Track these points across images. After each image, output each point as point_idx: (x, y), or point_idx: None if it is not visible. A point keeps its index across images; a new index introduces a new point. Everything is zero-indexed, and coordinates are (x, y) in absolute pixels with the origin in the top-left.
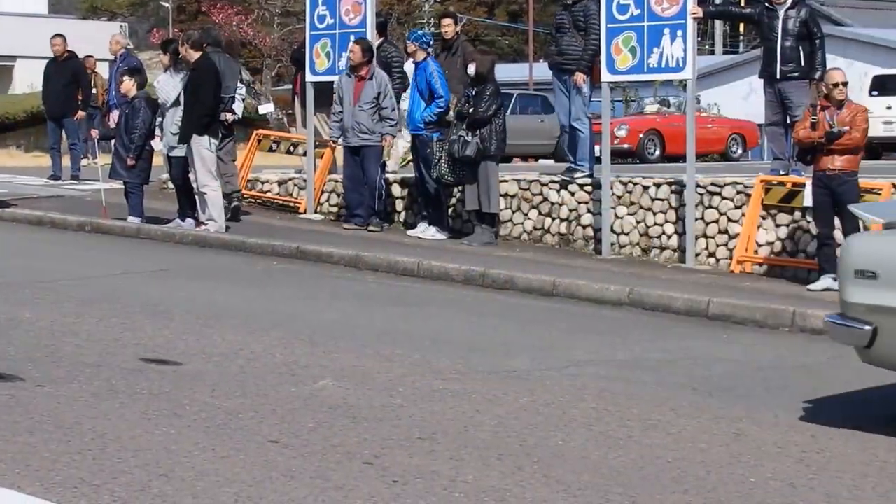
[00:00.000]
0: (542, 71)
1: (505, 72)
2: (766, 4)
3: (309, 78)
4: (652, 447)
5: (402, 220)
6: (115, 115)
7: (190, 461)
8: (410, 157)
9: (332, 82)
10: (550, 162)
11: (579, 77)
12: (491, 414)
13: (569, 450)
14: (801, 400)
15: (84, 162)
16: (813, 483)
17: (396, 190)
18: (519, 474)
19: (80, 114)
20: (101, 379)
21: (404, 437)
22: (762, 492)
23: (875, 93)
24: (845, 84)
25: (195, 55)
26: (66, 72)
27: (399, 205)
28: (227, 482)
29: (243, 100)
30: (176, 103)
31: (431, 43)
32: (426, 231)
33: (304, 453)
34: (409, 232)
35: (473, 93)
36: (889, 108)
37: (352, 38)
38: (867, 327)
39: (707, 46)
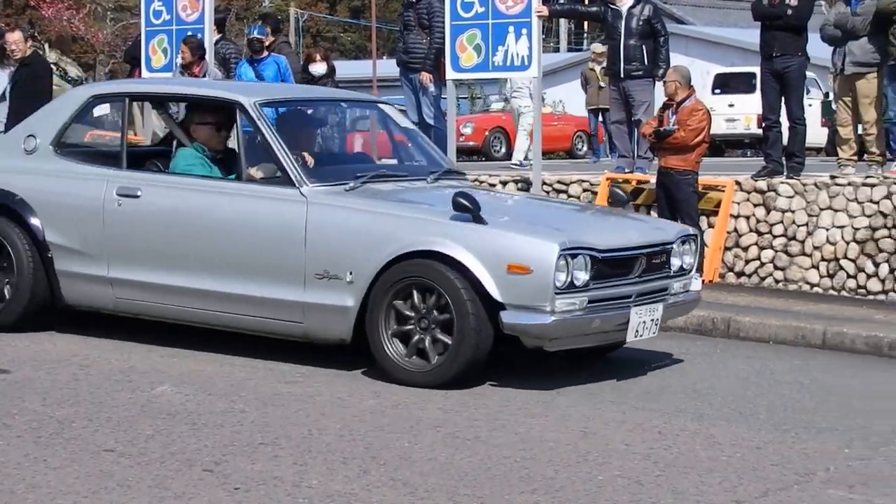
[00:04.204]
0: (386, 68)
1: (348, 68)
2: (610, 4)
3: (145, 75)
4: (499, 447)
5: None
6: None
7: (20, 473)
8: None
9: None
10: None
11: (424, 76)
12: (336, 417)
13: (416, 452)
14: (648, 397)
15: None
16: (660, 480)
17: None
18: (365, 478)
19: None
20: None
21: (246, 442)
22: (610, 489)
23: (717, 91)
24: (681, 82)
25: (30, 50)
26: None
27: None
28: (60, 494)
29: None
30: (1, 98)
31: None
32: None
33: (142, 462)
34: None
35: None
36: (731, 105)
37: (189, 34)
38: None
39: (552, 44)
